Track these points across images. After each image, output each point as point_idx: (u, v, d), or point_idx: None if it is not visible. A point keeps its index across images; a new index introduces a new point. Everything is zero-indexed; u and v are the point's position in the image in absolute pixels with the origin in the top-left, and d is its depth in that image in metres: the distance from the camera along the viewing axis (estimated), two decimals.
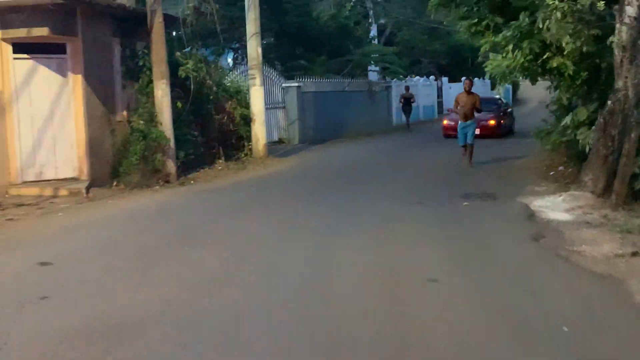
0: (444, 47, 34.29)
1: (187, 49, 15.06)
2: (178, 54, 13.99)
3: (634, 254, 6.37)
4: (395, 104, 26.92)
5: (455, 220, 8.36)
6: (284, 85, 21.04)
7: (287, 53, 24.59)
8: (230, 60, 27.91)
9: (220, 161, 15.06)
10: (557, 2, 9.24)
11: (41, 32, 11.27)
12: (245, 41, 17.91)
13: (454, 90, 31.54)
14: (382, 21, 33.76)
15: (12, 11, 11.22)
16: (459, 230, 7.73)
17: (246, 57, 17.90)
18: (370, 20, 30.16)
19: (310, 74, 22.94)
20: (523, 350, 4.11)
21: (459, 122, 14.04)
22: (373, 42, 28.79)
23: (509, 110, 24.49)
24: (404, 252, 6.73)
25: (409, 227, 7.95)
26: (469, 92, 13.98)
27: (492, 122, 21.47)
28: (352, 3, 26.75)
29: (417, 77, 30.69)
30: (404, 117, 25.69)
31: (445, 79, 33.82)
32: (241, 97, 16.58)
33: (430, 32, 33.26)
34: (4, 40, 11.37)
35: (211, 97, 15.14)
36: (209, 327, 4.66)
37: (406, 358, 4.07)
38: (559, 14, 9.37)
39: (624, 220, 8.12)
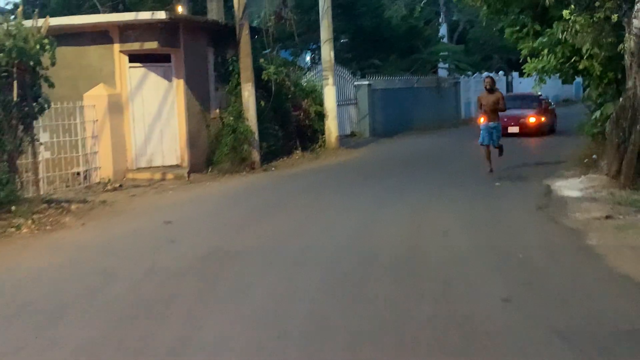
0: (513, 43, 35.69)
1: (268, 50, 17.62)
2: (262, 60, 16.55)
3: (607, 217, 8.39)
4: (464, 99, 28.84)
5: (483, 196, 10.50)
6: (355, 83, 23.39)
7: (361, 53, 26.97)
8: (308, 59, 30.56)
9: (297, 152, 17.60)
10: (574, 17, 11.20)
11: (151, 45, 14.06)
12: (330, 35, 20.39)
13: (523, 85, 33.08)
14: (454, 18, 35.63)
15: (129, 29, 14.05)
16: (481, 203, 9.90)
17: (332, 50, 20.40)
18: (440, 20, 32.11)
19: (382, 72, 25.25)
20: (488, 265, 6.34)
21: (483, 122, 13.12)
22: (442, 40, 30.73)
23: (551, 107, 23.92)
24: (432, 218, 8.97)
25: (443, 202, 10.17)
26: (490, 90, 13.10)
27: (532, 119, 21.43)
28: (421, 5, 28.79)
29: (486, 73, 32.37)
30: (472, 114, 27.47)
31: (515, 74, 35.34)
32: (316, 96, 19.08)
33: (501, 29, 34.76)
34: (122, 52, 14.21)
35: (289, 96, 17.70)
36: (285, 256, 7.07)
37: (413, 268, 6.34)
38: (577, 26, 11.34)
39: (625, 196, 10.05)
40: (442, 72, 29.72)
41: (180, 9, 21.67)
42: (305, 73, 22.26)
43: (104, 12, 19.20)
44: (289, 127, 17.69)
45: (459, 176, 12.97)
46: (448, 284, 5.77)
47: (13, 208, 9.43)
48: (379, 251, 7.07)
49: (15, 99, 9.86)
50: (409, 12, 27.81)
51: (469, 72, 29.07)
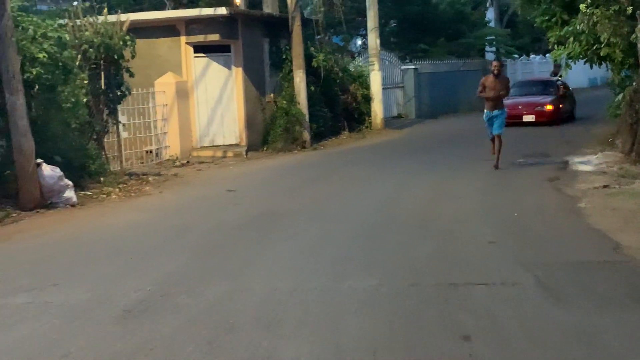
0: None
1: (319, 37, 19.31)
2: (312, 48, 18.25)
3: (604, 186, 9.83)
4: (511, 81, 29.89)
5: (504, 170, 12.00)
6: (402, 67, 24.91)
7: (409, 38, 28.38)
8: (359, 43, 32.13)
9: (345, 132, 19.30)
10: (590, 10, 12.53)
11: (214, 37, 15.93)
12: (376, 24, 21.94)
13: (574, 67, 33.85)
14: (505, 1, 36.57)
15: (193, 23, 15.94)
16: (500, 175, 11.43)
17: (378, 38, 21.98)
18: (487, 4, 33.18)
19: (429, 56, 26.67)
20: (486, 220, 7.93)
21: (485, 111, 12.30)
22: (489, 24, 31.83)
23: (569, 92, 22.34)
24: (453, 186, 10.57)
25: (468, 174, 11.72)
26: (497, 75, 12.34)
27: (549, 106, 19.98)
28: None
29: (533, 56, 33.37)
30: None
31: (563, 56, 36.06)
32: (363, 80, 20.72)
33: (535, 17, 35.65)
34: (188, 43, 16.12)
35: (338, 81, 19.40)
36: (324, 214, 8.80)
37: (426, 223, 7.96)
38: (595, 18, 12.66)
39: (632, 170, 11.43)
40: (490, 56, 30.85)
41: (238, 1, 23.53)
42: (355, 58, 23.92)
43: (170, 5, 21.17)
44: (337, 109, 19.38)
45: (489, 153, 14.45)
46: (450, 232, 7.41)
47: (102, 179, 11.43)
48: (401, 211, 8.75)
49: (102, 87, 11.85)
50: None
51: (515, 55, 30.15)
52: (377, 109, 20.53)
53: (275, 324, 4.75)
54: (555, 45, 15.09)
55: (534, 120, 19.63)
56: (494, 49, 30.64)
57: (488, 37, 29.54)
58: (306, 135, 17.11)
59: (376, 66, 20.60)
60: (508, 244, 6.82)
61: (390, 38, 28.20)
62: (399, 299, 5.20)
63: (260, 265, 6.42)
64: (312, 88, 17.74)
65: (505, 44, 29.93)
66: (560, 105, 20.45)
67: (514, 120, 17.95)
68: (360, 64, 22.18)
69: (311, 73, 17.98)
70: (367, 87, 20.56)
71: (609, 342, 4.25)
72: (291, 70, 17.30)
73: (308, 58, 17.80)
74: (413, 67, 24.87)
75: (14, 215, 9.31)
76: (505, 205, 8.79)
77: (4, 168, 9.96)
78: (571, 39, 14.46)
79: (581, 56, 14.65)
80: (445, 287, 5.43)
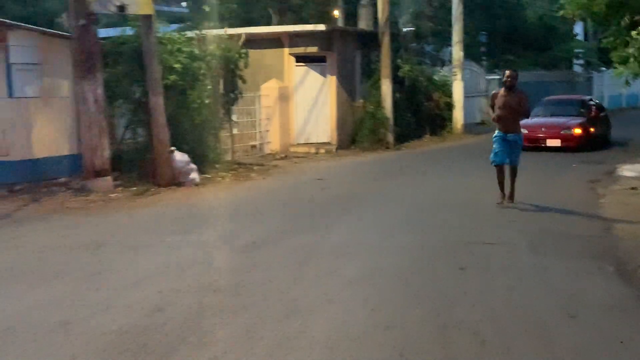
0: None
1: (413, 45, 21.78)
2: (399, 60, 20.75)
3: (632, 188, 11.87)
4: (597, 93, 31.34)
5: (555, 173, 14.13)
6: (487, 77, 27.01)
7: (498, 49, 30.39)
8: (450, 53, 34.29)
9: (427, 136, 21.68)
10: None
11: (313, 49, 18.71)
12: (463, 36, 24.20)
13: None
14: None
15: (296, 36, 18.78)
16: (550, 175, 13.61)
17: (464, 51, 24.25)
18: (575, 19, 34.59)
19: (516, 67, 28.55)
20: (515, 207, 10.21)
21: (496, 132, 10.23)
22: (576, 37, 33.30)
23: (603, 114, 20.07)
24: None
25: (523, 174, 13.89)
26: (510, 88, 10.06)
27: (577, 130, 17.88)
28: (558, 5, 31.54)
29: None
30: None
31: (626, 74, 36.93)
32: (446, 89, 23.04)
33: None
34: (290, 54, 18.97)
35: (422, 89, 21.80)
36: (390, 198, 11.32)
37: (467, 206, 10.33)
38: None
39: None
40: (577, 68, 32.39)
41: (336, 13, 26.32)
42: (443, 67, 26.22)
43: (276, 19, 24.17)
44: (421, 115, 21.78)
45: (550, 159, 16.50)
46: (483, 212, 9.82)
47: (217, 166, 14.36)
48: (453, 197, 11.19)
49: (221, 91, 14.80)
50: (545, 12, 30.73)
51: (603, 68, 31.54)
52: (458, 116, 22.80)
53: (342, 256, 7.36)
54: (617, 64, 16.94)
55: (559, 145, 17.72)
56: (581, 61, 32.13)
57: (575, 50, 31.07)
58: (390, 137, 19.62)
59: (458, 76, 22.86)
60: (524, 222, 9.15)
61: (479, 49, 30.29)
62: (425, 249, 7.71)
63: (336, 227, 9.03)
64: (398, 95, 20.23)
65: (592, 57, 31.35)
66: (591, 129, 18.34)
67: (534, 145, 17.22)
68: (445, 73, 24.46)
69: (398, 82, 20.48)
70: (450, 95, 22.85)
71: (551, 274, 6.60)
72: (379, 79, 19.84)
73: (395, 68, 20.31)
74: (498, 77, 26.85)
75: (152, 190, 12.29)
76: (537, 197, 11.05)
77: (146, 153, 13.01)
78: (631, 59, 16.33)
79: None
80: (461, 244, 7.88)
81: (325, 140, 19.30)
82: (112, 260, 7.39)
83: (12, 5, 18.87)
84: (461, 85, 23.02)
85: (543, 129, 17.92)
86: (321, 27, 18.39)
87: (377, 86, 19.98)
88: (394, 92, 19.87)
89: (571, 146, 17.64)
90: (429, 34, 27.95)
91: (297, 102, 19.17)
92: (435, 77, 23.76)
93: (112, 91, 12.83)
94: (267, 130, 18.34)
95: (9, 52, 11.91)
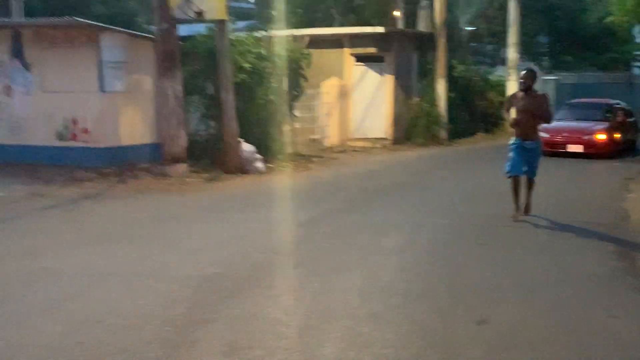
0: None
1: (473, 44, 22.83)
2: (454, 61, 21.90)
3: None
4: None
5: (595, 171, 15.13)
6: (544, 77, 27.78)
7: (556, 50, 31.09)
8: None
9: (480, 133, 22.76)
10: None
11: (371, 50, 20.06)
12: (521, 39, 25.18)
13: None
14: None
15: (356, 38, 20.16)
16: (589, 172, 14.66)
17: (523, 52, 25.23)
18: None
19: (574, 68, 29.30)
20: (542, 197, 11.35)
21: (513, 138, 9.49)
22: (636, 41, 33.53)
23: (632, 120, 19.43)
24: (544, 173, 13.96)
25: (563, 169, 14.95)
26: (527, 90, 9.30)
27: (600, 135, 17.19)
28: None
29: None
30: None
31: None
32: (500, 88, 24.03)
33: None
34: (350, 54, 20.37)
35: (477, 88, 22.89)
36: (434, 187, 12.61)
37: (498, 196, 11.54)
38: None
39: None
40: (636, 70, 32.70)
41: (397, 14, 27.54)
42: (503, 66, 27.15)
43: (338, 20, 25.59)
44: (474, 114, 22.89)
45: (594, 159, 17.43)
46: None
47: (280, 156, 15.86)
48: (488, 188, 12.41)
49: (285, 89, 16.30)
50: (606, 14, 31.14)
51: None
52: (511, 114, 23.70)
53: (382, 232, 8.73)
54: None
55: (581, 151, 17.03)
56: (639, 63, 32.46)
57: (636, 52, 31.45)
58: (443, 134, 20.81)
59: (512, 77, 23.79)
60: (549, 210, 10.32)
61: (539, 49, 31.04)
62: (454, 227, 9.05)
63: (380, 209, 10.40)
64: (452, 94, 21.39)
65: None
66: (616, 135, 17.72)
67: (555, 150, 16.78)
68: (502, 74, 25.43)
69: (452, 81, 21.64)
70: (504, 95, 23.79)
71: (557, 250, 7.84)
72: (435, 79, 21.05)
73: (450, 68, 21.48)
74: (554, 78, 27.68)
75: (222, 176, 13.84)
76: (569, 189, 12.17)
77: (217, 143, 14.62)
78: None
79: None
80: (484, 226, 9.17)
81: (381, 135, 20.61)
82: (189, 230, 8.96)
83: (98, 7, 20.84)
84: (515, 85, 23.91)
85: (564, 134, 17.29)
86: (380, 29, 19.73)
87: (432, 85, 21.18)
88: (448, 91, 21.04)
89: (593, 152, 16.93)
90: (489, 35, 28.98)
91: (356, 99, 20.55)
92: (491, 77, 24.77)
93: (188, 87, 14.45)
94: (327, 125, 19.77)
95: (101, 51, 13.64)
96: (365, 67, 20.57)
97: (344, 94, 20.15)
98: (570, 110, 19.20)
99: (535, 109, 9.24)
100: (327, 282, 6.50)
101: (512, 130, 9.71)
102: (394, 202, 11.12)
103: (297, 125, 18.28)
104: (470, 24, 28.35)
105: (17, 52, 14.11)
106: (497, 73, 26.02)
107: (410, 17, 27.27)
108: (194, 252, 7.70)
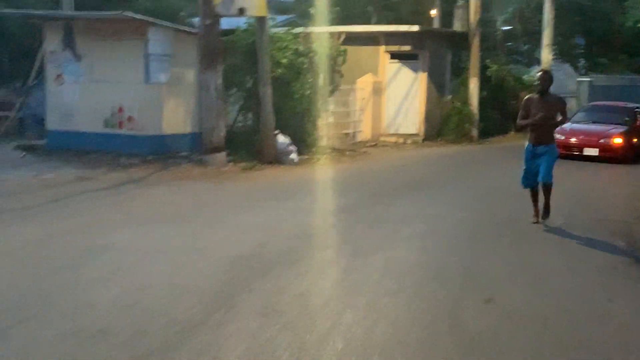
0: None
1: (509, 44, 23.21)
2: (487, 60, 22.35)
3: None
4: None
5: (615, 169, 15.58)
6: (578, 79, 28.07)
7: (591, 52, 31.26)
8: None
9: (511, 132, 23.15)
10: None
11: (406, 48, 20.62)
12: (558, 38, 25.51)
13: None
14: None
15: (391, 36, 20.74)
16: (613, 168, 15.11)
17: (558, 54, 25.54)
18: None
19: (608, 70, 29.46)
20: (559, 188, 11.86)
21: (527, 144, 9.27)
22: None
23: None
24: (568, 170, 14.42)
25: (586, 169, 15.39)
26: (544, 93, 9.07)
27: (616, 139, 16.90)
28: None
29: None
30: None
31: None
32: (534, 88, 24.35)
33: None
34: (385, 51, 20.95)
35: (509, 88, 23.30)
36: (459, 183, 13.16)
37: (514, 191, 12.09)
38: None
39: None
40: None
41: (434, 12, 28.04)
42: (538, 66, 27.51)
43: (375, 17, 26.18)
44: (506, 112, 23.28)
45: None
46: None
47: (313, 149, 16.55)
48: (512, 187, 12.91)
49: (320, 84, 16.97)
50: None
51: None
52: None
53: (403, 221, 9.34)
54: None
55: (597, 154, 16.78)
56: None
57: None
58: (474, 132, 21.30)
59: None
60: (565, 208, 10.85)
61: (574, 50, 31.25)
62: (474, 220, 9.63)
63: (404, 201, 11.00)
64: (484, 93, 21.85)
65: None
66: (635, 140, 17.49)
67: (570, 153, 16.63)
68: (532, 74, 25.77)
69: (485, 80, 22.09)
70: None
71: (569, 243, 8.39)
72: (467, 77, 21.54)
73: (484, 67, 21.94)
74: (588, 79, 27.93)
75: (258, 166, 14.56)
76: (585, 182, 12.67)
77: (254, 135, 15.36)
78: None
79: None
80: (504, 221, 9.73)
81: (413, 131, 21.18)
82: (227, 214, 9.69)
83: (143, 0, 21.70)
84: None
85: (581, 137, 17.14)
86: (414, 28, 20.27)
87: (465, 84, 21.66)
88: (480, 89, 21.51)
89: (609, 156, 16.66)
90: (525, 35, 29.30)
91: (389, 95, 21.14)
92: (525, 77, 25.13)
93: (228, 80, 15.20)
94: (361, 120, 20.39)
95: (147, 44, 14.46)
96: (399, 64, 21.13)
97: (378, 90, 20.74)
98: (588, 112, 19.10)
99: (550, 112, 8.94)
100: (351, 262, 7.17)
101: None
102: (417, 194, 11.72)
103: (331, 119, 18.94)
104: (507, 23, 28.73)
105: (69, 44, 15.02)
106: (532, 73, 26.30)
107: (447, 16, 27.78)
108: (232, 233, 8.42)
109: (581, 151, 16.89)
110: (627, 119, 17.87)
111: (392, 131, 21.20)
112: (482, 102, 21.64)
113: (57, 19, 15.43)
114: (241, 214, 9.70)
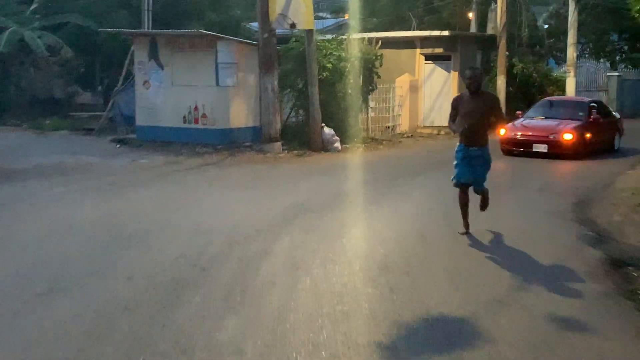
0: None
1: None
2: (514, 59, 25.31)
3: None
4: None
5: (609, 162, 18.36)
6: (607, 74, 30.67)
7: (623, 48, 33.70)
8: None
9: None
10: None
11: (439, 50, 23.77)
12: (592, 36, 28.15)
13: None
14: None
15: (426, 40, 23.91)
16: (607, 159, 17.95)
17: (587, 51, 28.19)
18: None
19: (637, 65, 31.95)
20: (546, 174, 14.82)
21: (458, 144, 8.79)
22: None
23: (609, 119, 18.61)
24: (562, 165, 17.34)
25: (589, 160, 18.26)
26: (474, 92, 8.55)
27: (567, 135, 16.68)
28: None
29: None
30: None
31: None
32: (560, 84, 27.19)
33: None
34: (421, 53, 24.13)
35: (536, 84, 26.18)
36: None
37: (521, 180, 15.12)
38: None
39: None
40: None
41: (471, 15, 31.00)
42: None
43: (415, 22, 29.34)
44: (531, 105, 26.12)
45: (628, 143, 20.50)
46: (532, 186, 14.63)
47: (355, 139, 19.86)
48: (524, 177, 15.99)
49: (360, 85, 20.28)
50: None
51: None
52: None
53: (409, 198, 12.58)
54: None
55: (545, 151, 16.66)
56: None
57: None
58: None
59: (571, 74, 26.95)
60: (554, 190, 13.86)
61: (605, 47, 33.73)
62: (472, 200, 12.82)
63: (420, 179, 14.21)
64: (511, 89, 24.81)
65: None
66: (588, 135, 17.12)
67: (520, 149, 16.95)
68: (562, 70, 28.58)
69: (512, 77, 25.05)
70: (563, 90, 26.98)
71: (536, 199, 11.51)
72: (495, 75, 24.53)
73: (511, 66, 24.92)
74: (617, 74, 30.50)
75: (307, 153, 17.93)
76: (576, 171, 15.60)
77: (304, 128, 18.79)
78: None
79: None
80: (494, 193, 12.87)
81: (445, 124, 24.19)
82: (283, 184, 13.14)
83: (210, 14, 25.37)
84: (573, 82, 27.04)
85: (530, 133, 17.09)
86: (446, 32, 23.42)
87: (493, 81, 24.65)
88: (507, 85, 24.48)
89: (559, 152, 16.57)
90: (559, 33, 32.00)
91: (425, 92, 24.31)
92: (554, 74, 27.94)
93: (282, 83, 18.65)
94: (399, 115, 23.61)
95: (217, 54, 18.03)
96: (433, 65, 24.27)
97: (414, 88, 23.93)
98: (542, 108, 19.01)
99: (483, 112, 8.49)
100: (368, 208, 10.55)
101: None
102: (436, 173, 14.92)
103: (372, 114, 22.25)
104: (535, 24, 31.44)
105: (154, 55, 18.74)
106: (561, 70, 29.07)
107: (483, 18, 30.70)
108: (287, 193, 11.92)
109: (530, 147, 16.81)
110: (581, 113, 17.69)
111: (427, 124, 24.34)
112: (509, 96, 24.57)
113: (145, 35, 19.18)
114: (294, 183, 13.16)
